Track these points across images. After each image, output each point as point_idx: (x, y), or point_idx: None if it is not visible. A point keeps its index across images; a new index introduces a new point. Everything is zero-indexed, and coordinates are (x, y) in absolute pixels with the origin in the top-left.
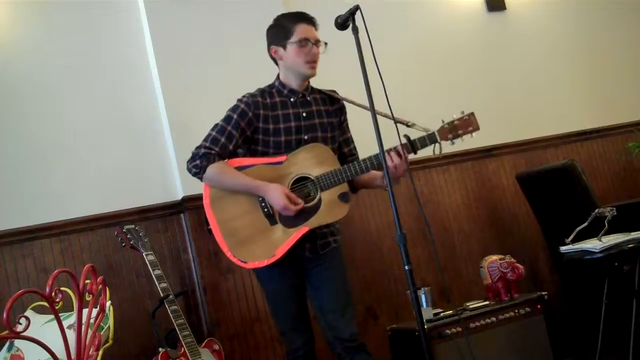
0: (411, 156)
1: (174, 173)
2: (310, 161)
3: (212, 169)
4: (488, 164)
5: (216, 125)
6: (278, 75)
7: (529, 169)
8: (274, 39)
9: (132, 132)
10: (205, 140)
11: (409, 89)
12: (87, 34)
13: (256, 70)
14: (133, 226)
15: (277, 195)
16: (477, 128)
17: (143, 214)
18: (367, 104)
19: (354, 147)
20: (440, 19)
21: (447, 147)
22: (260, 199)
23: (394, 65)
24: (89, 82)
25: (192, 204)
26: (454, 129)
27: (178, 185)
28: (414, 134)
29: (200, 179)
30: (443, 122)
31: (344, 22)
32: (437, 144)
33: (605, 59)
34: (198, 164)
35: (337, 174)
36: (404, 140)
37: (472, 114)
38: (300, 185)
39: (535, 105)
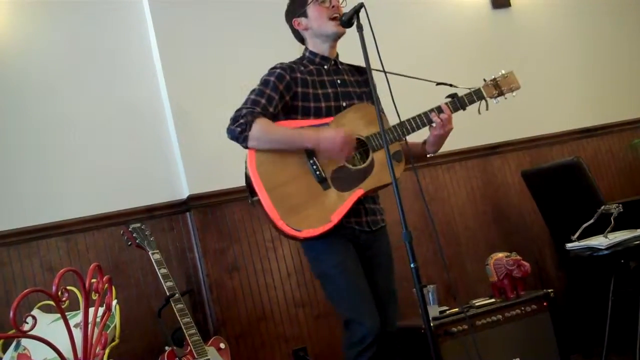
0: None
1: (180, 172)
2: (359, 121)
3: (259, 124)
4: (493, 161)
5: (253, 90)
6: (305, 48)
7: (535, 166)
8: (294, 12)
9: (138, 131)
10: (244, 103)
11: (413, 86)
12: (91, 32)
13: (263, 69)
14: (139, 225)
15: (333, 133)
16: (518, 86)
17: (149, 213)
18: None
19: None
20: (445, 16)
21: (453, 144)
22: (311, 161)
23: (399, 62)
24: (93, 81)
25: (197, 202)
26: (497, 86)
27: (183, 184)
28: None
29: (246, 138)
30: (485, 80)
31: (349, 20)
32: (483, 101)
33: (610, 55)
34: (243, 121)
35: (388, 133)
36: (450, 99)
37: (512, 72)
38: None
39: (541, 102)
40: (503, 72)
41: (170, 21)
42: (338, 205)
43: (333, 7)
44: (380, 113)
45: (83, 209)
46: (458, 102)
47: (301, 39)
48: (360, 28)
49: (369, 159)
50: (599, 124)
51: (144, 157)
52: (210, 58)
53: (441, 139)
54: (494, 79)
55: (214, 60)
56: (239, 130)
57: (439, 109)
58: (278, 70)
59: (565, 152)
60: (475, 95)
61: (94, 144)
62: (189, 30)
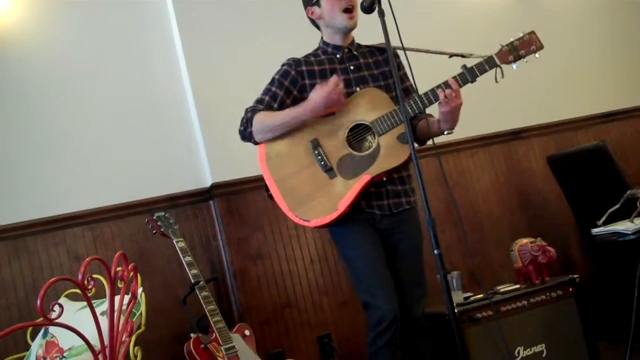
0: (440, 139)
1: (203, 160)
2: (364, 107)
3: (257, 118)
4: (517, 146)
5: (264, 88)
6: (321, 38)
7: (560, 151)
8: (308, 0)
9: (161, 120)
10: (252, 103)
11: (437, 72)
12: (114, 22)
13: (285, 55)
14: (163, 213)
15: (318, 93)
16: (540, 47)
17: (173, 202)
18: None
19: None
20: (468, 2)
21: (476, 129)
22: (316, 152)
23: (422, 46)
24: (116, 72)
25: (220, 190)
26: (514, 50)
27: (207, 172)
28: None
29: (251, 133)
30: (501, 45)
31: (370, 5)
32: (497, 68)
33: (635, 39)
34: (245, 120)
35: (392, 116)
36: (460, 70)
37: (533, 32)
38: (356, 132)
39: (565, 87)
40: (522, 33)
41: (193, 10)
42: (345, 192)
43: (345, 0)
44: (390, 94)
45: (108, 198)
46: (468, 74)
47: (317, 25)
48: (381, 14)
49: (375, 144)
50: (624, 108)
51: (167, 147)
52: (232, 45)
53: (450, 115)
54: (511, 42)
55: (237, 47)
56: (242, 128)
57: (446, 84)
58: (284, 67)
59: (591, 137)
60: (487, 64)
61: (118, 133)
62: (211, 18)
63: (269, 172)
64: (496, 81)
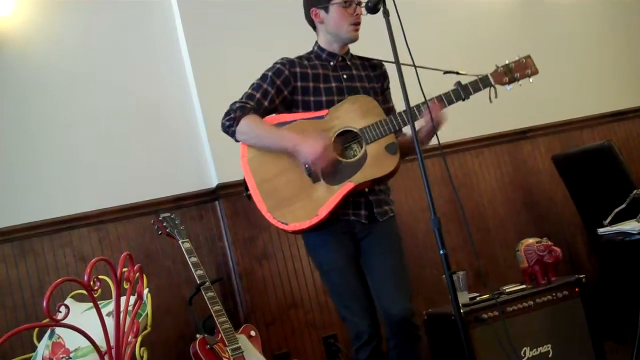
0: (445, 139)
1: (208, 161)
2: (354, 113)
3: (246, 120)
4: (523, 146)
5: (252, 83)
6: (316, 42)
7: (565, 150)
8: (315, 1)
9: (166, 120)
10: (240, 97)
11: (433, 83)
12: (119, 24)
13: (291, 55)
14: (169, 214)
15: (314, 143)
16: (535, 72)
17: (178, 202)
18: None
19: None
20: (471, 2)
21: (481, 129)
22: None
23: (427, 48)
24: (122, 73)
25: (226, 191)
26: (509, 72)
27: (212, 173)
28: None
29: (234, 132)
30: (497, 66)
31: (375, 5)
32: (491, 88)
33: None
34: (232, 116)
35: (382, 124)
36: (454, 87)
37: (529, 56)
38: (343, 138)
39: (571, 85)
40: (518, 56)
41: (198, 10)
42: (327, 198)
43: (356, 15)
44: (380, 105)
45: (114, 199)
46: (461, 91)
47: (313, 26)
48: (386, 14)
49: (362, 151)
50: (630, 107)
51: (173, 147)
52: (238, 45)
53: (427, 135)
54: (507, 64)
55: (243, 49)
56: (227, 124)
57: (429, 104)
58: (278, 65)
59: (596, 136)
60: (482, 83)
61: (123, 134)
62: (216, 19)
63: (251, 171)
64: (490, 101)
